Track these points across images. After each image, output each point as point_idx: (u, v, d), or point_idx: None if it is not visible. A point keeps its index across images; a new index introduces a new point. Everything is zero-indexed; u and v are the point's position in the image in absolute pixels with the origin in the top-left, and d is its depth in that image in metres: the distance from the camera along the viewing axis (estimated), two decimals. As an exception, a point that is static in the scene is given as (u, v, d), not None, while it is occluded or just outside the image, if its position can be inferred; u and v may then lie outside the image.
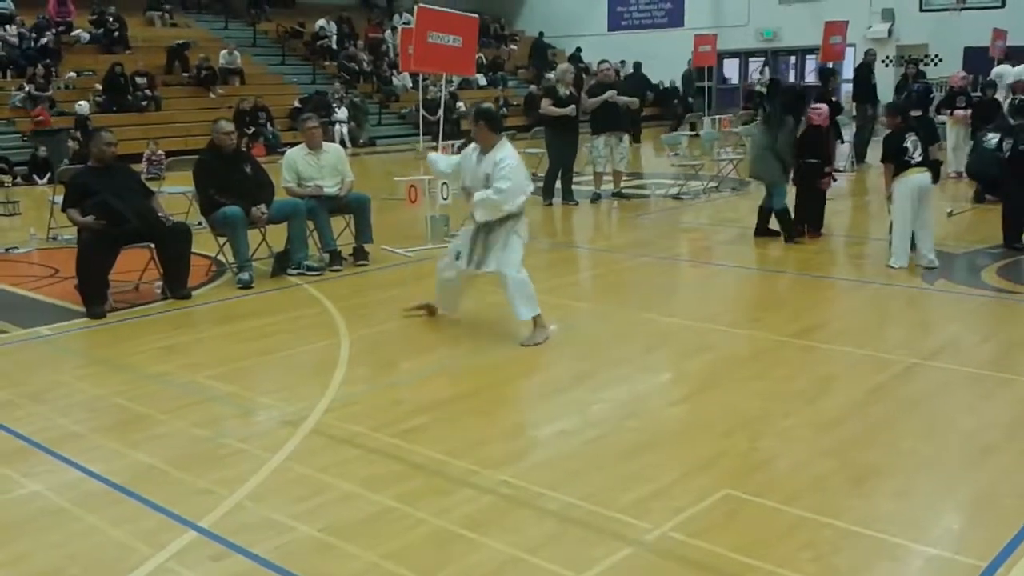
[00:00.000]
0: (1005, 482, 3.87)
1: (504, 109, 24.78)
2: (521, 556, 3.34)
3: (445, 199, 9.36)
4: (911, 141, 7.68)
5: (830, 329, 6.41)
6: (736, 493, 3.78)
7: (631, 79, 12.56)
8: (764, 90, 14.46)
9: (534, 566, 3.28)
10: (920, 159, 7.69)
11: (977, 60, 19.50)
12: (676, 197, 12.41)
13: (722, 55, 26.01)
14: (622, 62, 25.67)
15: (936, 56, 25.07)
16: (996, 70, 15.05)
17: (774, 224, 9.30)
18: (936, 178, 8.17)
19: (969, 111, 13.26)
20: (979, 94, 14.32)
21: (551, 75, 12.84)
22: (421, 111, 12.04)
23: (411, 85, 23.14)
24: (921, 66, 22.75)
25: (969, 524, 3.64)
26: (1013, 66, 14.48)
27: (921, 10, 25.53)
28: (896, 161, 7.77)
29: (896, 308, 7.08)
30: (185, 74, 21.71)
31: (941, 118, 13.32)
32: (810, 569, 3.20)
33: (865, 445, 4.28)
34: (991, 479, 3.92)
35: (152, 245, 7.24)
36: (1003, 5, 23.64)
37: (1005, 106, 11.70)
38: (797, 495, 3.75)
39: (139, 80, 19.92)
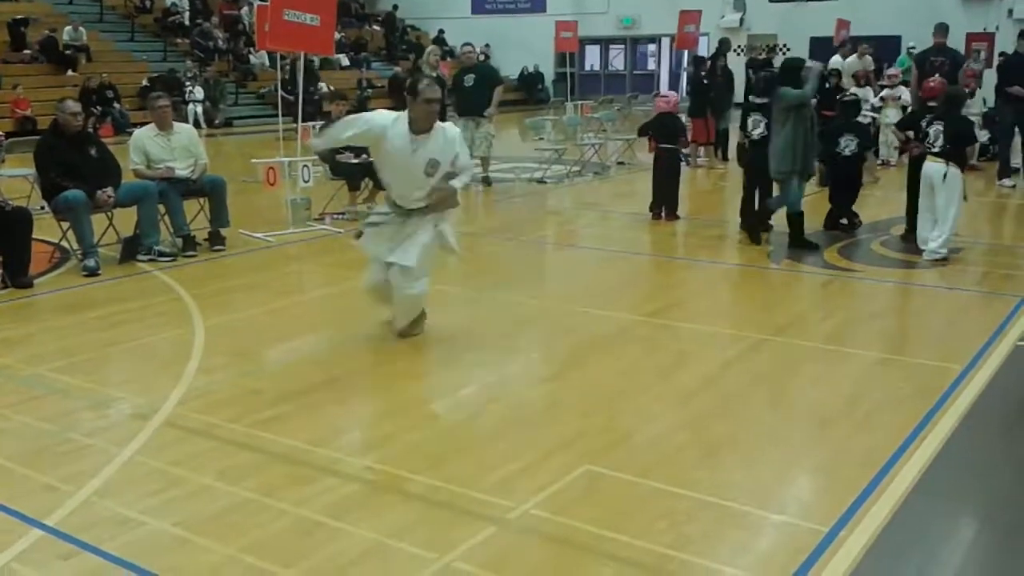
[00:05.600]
0: (845, 451, 4.10)
1: (367, 91, 24.50)
2: (384, 541, 3.32)
3: (306, 182, 9.17)
4: (933, 130, 7.63)
5: (685, 308, 6.63)
6: (595, 468, 3.87)
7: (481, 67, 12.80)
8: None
9: (397, 550, 3.27)
10: (938, 148, 7.58)
11: (822, 50, 20.45)
12: (540, 181, 12.54)
13: (583, 41, 26.40)
14: (487, 45, 25.78)
15: (784, 45, 26.18)
16: (833, 60, 15.81)
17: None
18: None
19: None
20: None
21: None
22: (280, 91, 11.73)
23: (269, 63, 22.54)
24: (768, 55, 23.69)
25: (813, 491, 3.85)
26: (844, 57, 15.15)
27: (771, 0, 26.61)
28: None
29: (746, 287, 7.39)
30: (27, 51, 20.48)
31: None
32: (665, 539, 3.31)
33: (716, 418, 4.46)
34: (833, 448, 4.15)
35: (-11, 231, 6.83)
36: (846, -4, 24.88)
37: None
38: (653, 467, 3.87)
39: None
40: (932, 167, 7.64)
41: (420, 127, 5.16)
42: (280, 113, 10.53)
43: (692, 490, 3.68)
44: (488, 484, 3.73)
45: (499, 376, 5.19)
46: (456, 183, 5.30)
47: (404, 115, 5.21)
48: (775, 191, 8.66)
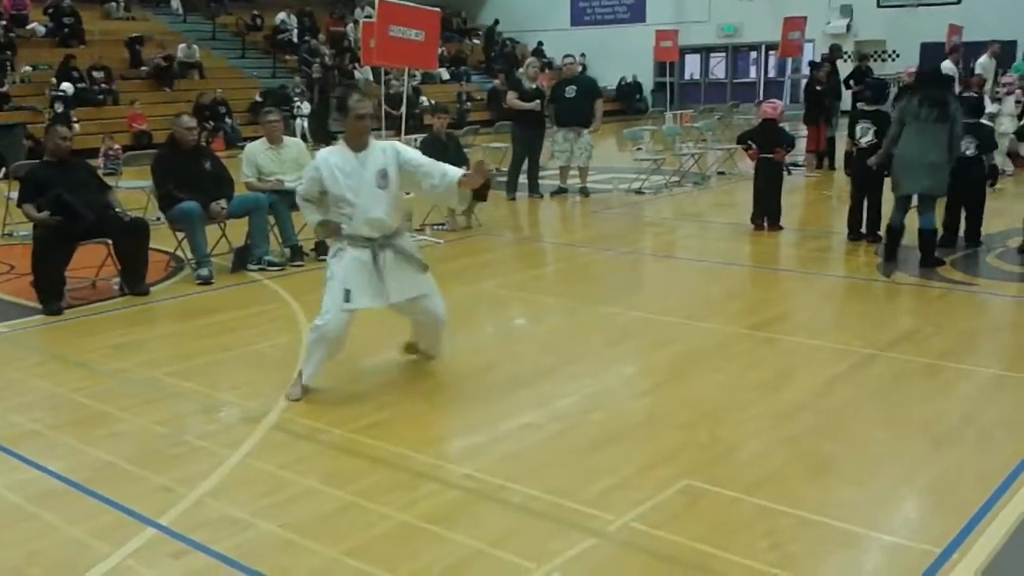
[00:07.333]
0: (959, 471, 3.94)
1: (467, 104, 24.80)
2: (484, 549, 3.34)
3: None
4: None
5: (789, 321, 6.48)
6: (697, 484, 3.82)
7: (582, 78, 12.86)
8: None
9: (497, 559, 3.29)
10: None
11: (933, 55, 19.79)
12: (638, 192, 12.47)
13: (683, 51, 26.14)
14: (583, 55, 25.77)
15: (894, 52, 25.43)
16: (944, 65, 15.28)
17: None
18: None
19: None
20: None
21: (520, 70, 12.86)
22: (383, 105, 11.97)
23: (373, 78, 23.04)
24: (879, 61, 23.04)
25: (924, 512, 3.71)
26: (955, 63, 14.55)
27: (879, 6, 25.89)
28: None
29: (853, 300, 7.17)
30: (143, 68, 21.43)
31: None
32: (769, 557, 3.24)
33: (823, 435, 4.35)
34: (946, 468, 3.99)
35: (109, 241, 7.16)
36: (959, 1, 24.00)
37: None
38: (756, 485, 3.79)
39: (96, 74, 19.61)
40: None
41: (357, 144, 4.94)
42: (383, 127, 10.76)
43: (797, 508, 3.59)
44: (587, 496, 3.72)
45: (597, 388, 5.16)
46: (452, 172, 4.99)
47: (339, 144, 5.02)
48: (882, 202, 8.41)
